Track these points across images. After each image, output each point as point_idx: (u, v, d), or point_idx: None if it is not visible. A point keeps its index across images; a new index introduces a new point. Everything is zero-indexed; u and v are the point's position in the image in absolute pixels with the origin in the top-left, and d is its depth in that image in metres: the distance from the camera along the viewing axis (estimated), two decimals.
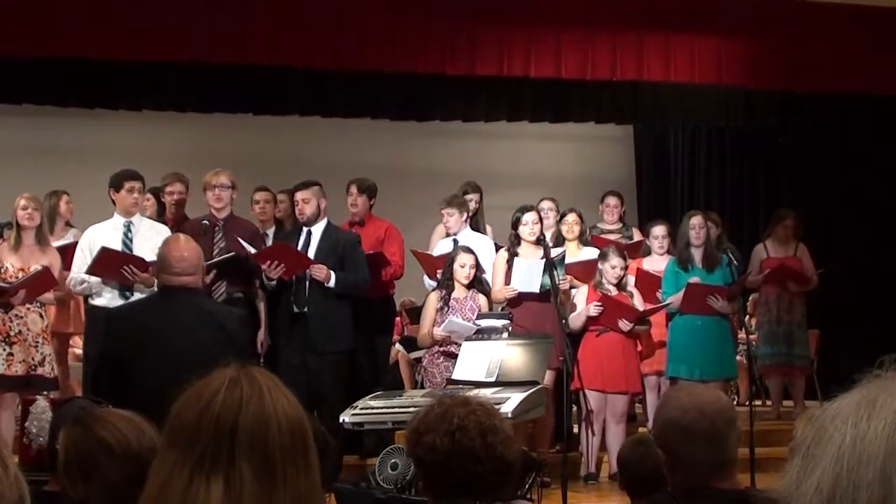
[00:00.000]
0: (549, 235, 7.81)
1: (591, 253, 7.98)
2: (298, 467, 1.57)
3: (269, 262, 6.81)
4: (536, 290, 7.35)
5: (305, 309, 6.93)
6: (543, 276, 7.31)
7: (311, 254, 6.99)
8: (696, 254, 7.88)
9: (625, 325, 7.43)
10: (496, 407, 2.78)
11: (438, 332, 7.16)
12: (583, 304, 7.54)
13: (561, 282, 7.36)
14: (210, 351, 4.15)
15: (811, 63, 10.10)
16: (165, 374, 3.73)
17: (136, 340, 4.51)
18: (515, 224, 7.61)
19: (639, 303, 7.63)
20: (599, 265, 7.60)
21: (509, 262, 7.53)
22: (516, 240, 7.61)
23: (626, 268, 7.61)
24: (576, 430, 7.87)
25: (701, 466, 2.62)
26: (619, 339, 7.48)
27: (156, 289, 6.56)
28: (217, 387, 1.60)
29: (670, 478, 2.68)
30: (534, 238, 7.54)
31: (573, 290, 7.77)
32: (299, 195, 7.14)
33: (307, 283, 6.92)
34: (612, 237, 8.58)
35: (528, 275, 7.38)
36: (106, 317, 5.60)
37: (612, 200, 9.09)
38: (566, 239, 8.05)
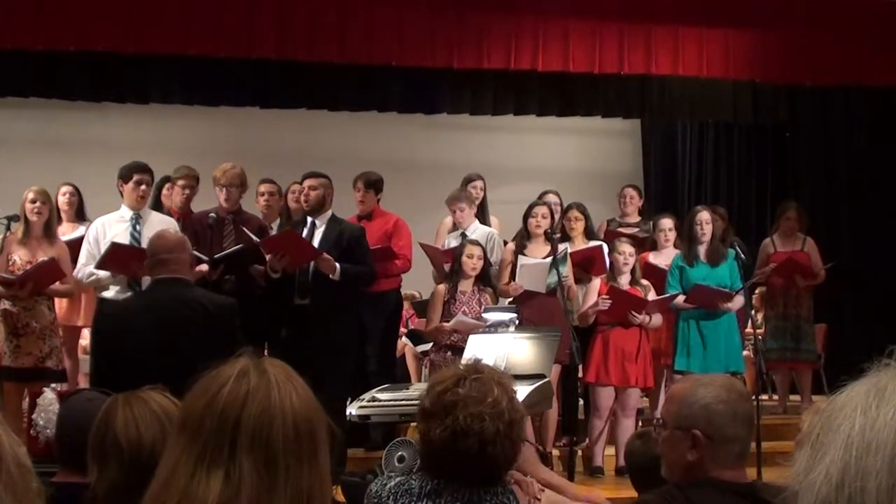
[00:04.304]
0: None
1: (595, 243, 8.01)
2: (303, 463, 1.56)
3: (274, 252, 6.79)
4: (543, 290, 7.37)
5: (307, 300, 6.92)
6: (550, 273, 7.32)
7: (315, 245, 6.97)
8: (702, 249, 7.86)
9: (634, 318, 7.41)
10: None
11: (448, 325, 7.18)
12: (594, 298, 7.51)
13: (563, 279, 7.37)
14: (199, 342, 4.19)
15: (820, 56, 10.10)
16: (154, 367, 3.75)
17: (125, 334, 4.57)
18: (525, 217, 7.64)
19: (653, 296, 7.59)
20: (609, 258, 7.61)
21: (515, 255, 7.55)
22: (526, 233, 7.63)
23: (633, 256, 7.58)
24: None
25: (739, 447, 2.64)
26: (634, 334, 7.47)
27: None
28: (225, 379, 1.59)
29: (689, 465, 2.63)
30: (540, 231, 7.56)
31: (586, 285, 7.75)
32: (307, 182, 7.14)
33: (310, 273, 6.92)
34: (629, 230, 8.57)
35: (535, 276, 7.38)
36: (96, 312, 5.66)
37: (629, 191, 9.10)
38: (570, 235, 8.03)
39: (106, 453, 2.50)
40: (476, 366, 2.76)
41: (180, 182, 7.72)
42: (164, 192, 8.01)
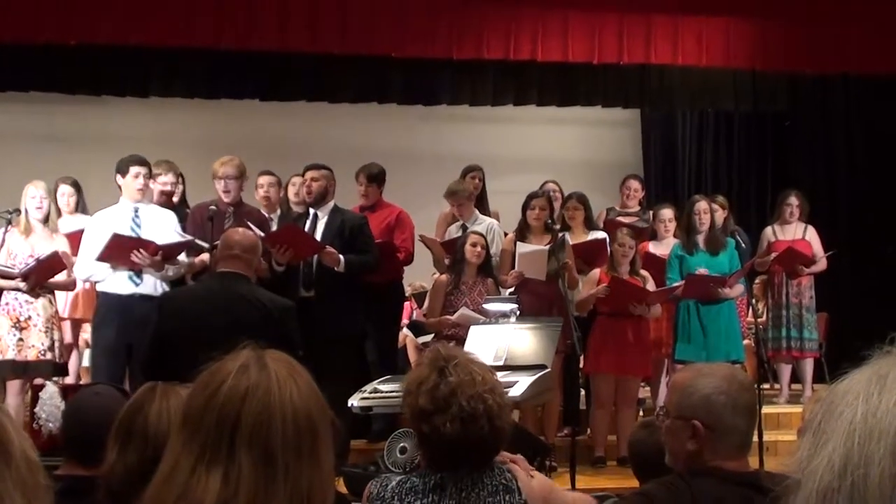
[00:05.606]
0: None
1: (598, 234, 8.00)
2: (303, 461, 1.55)
3: (277, 246, 6.78)
4: (542, 277, 7.37)
5: (312, 292, 6.92)
6: (550, 261, 7.32)
7: (318, 236, 6.97)
8: (700, 238, 7.86)
9: (634, 308, 7.40)
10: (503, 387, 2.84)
11: (452, 318, 7.19)
12: (593, 289, 7.50)
13: (563, 265, 7.37)
14: (255, 339, 4.17)
15: (820, 44, 10.06)
16: (208, 359, 3.74)
17: (183, 323, 4.59)
18: (524, 208, 7.64)
19: (652, 287, 7.59)
20: (610, 248, 7.61)
21: (515, 245, 7.56)
22: (525, 224, 7.63)
23: (633, 247, 7.57)
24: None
25: (740, 438, 2.64)
26: (633, 324, 7.47)
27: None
28: (226, 374, 1.58)
29: (689, 455, 2.64)
30: (539, 223, 7.57)
31: (586, 275, 7.76)
32: (309, 174, 7.14)
33: (314, 266, 6.91)
34: (629, 220, 8.56)
35: (534, 262, 7.38)
36: (160, 298, 5.68)
37: (633, 184, 9.07)
38: (569, 226, 8.02)
39: (131, 437, 2.47)
40: (445, 352, 2.80)
41: (161, 179, 7.38)
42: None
